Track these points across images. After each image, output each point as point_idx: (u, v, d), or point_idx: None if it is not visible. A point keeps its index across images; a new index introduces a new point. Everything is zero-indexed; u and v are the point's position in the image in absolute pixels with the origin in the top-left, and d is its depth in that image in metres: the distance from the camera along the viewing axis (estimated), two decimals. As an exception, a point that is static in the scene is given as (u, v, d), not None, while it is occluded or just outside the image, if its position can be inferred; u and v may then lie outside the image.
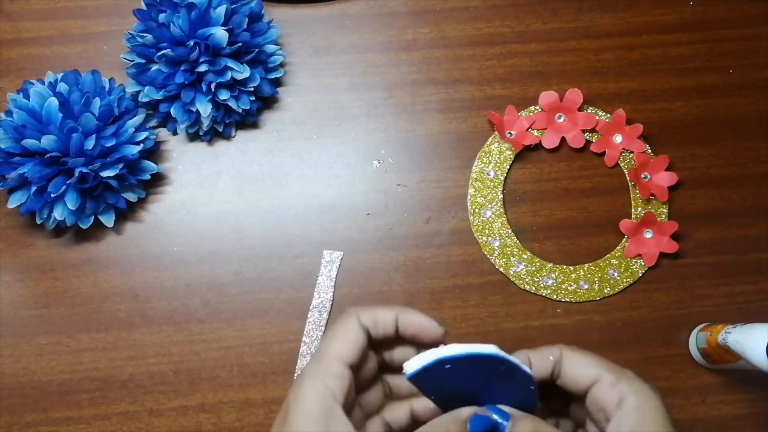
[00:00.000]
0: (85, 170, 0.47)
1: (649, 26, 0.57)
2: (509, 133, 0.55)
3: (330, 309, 0.52)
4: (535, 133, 0.55)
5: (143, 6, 0.50)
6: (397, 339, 0.35)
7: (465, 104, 0.55)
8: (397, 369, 0.34)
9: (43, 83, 0.49)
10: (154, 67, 0.50)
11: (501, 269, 0.53)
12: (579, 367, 0.34)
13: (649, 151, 0.55)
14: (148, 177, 0.51)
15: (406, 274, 0.53)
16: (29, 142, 0.46)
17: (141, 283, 0.52)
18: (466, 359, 0.31)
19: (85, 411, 0.50)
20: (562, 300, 0.52)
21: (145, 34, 0.49)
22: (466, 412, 0.33)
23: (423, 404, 0.36)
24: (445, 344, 0.32)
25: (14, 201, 0.48)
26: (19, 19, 0.56)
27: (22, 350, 0.51)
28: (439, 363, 0.31)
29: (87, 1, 0.56)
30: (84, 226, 0.50)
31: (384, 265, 0.53)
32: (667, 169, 0.54)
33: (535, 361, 0.35)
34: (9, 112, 0.48)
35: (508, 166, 0.54)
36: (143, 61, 0.50)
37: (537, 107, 0.55)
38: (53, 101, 0.47)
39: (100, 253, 0.52)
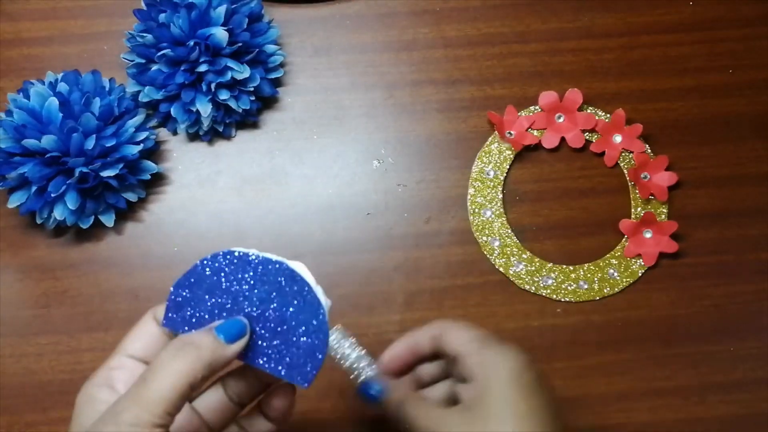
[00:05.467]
0: (85, 170, 0.47)
1: (649, 26, 0.57)
2: (509, 133, 0.55)
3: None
4: (535, 133, 0.55)
5: (143, 6, 0.50)
6: None
7: (465, 104, 0.55)
8: None
9: (43, 83, 0.49)
10: (154, 67, 0.50)
11: (501, 269, 0.53)
12: (453, 338, 0.39)
13: (649, 151, 0.55)
14: (148, 177, 0.51)
15: (406, 274, 0.53)
16: (29, 142, 0.46)
17: (141, 283, 0.52)
18: (252, 265, 0.32)
19: (85, 411, 0.50)
20: (562, 300, 0.52)
21: (145, 34, 0.49)
22: (218, 322, 0.34)
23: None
24: None
25: (14, 201, 0.48)
26: (19, 19, 0.56)
27: (22, 350, 0.51)
28: (222, 262, 0.31)
29: (87, 1, 0.56)
30: (84, 226, 0.50)
31: (384, 265, 0.53)
32: (666, 169, 0.54)
33: (416, 339, 0.41)
34: (9, 112, 0.48)
35: (507, 166, 0.54)
36: (143, 61, 0.50)
37: (537, 107, 0.55)
38: (53, 101, 0.47)
39: (100, 253, 0.52)
